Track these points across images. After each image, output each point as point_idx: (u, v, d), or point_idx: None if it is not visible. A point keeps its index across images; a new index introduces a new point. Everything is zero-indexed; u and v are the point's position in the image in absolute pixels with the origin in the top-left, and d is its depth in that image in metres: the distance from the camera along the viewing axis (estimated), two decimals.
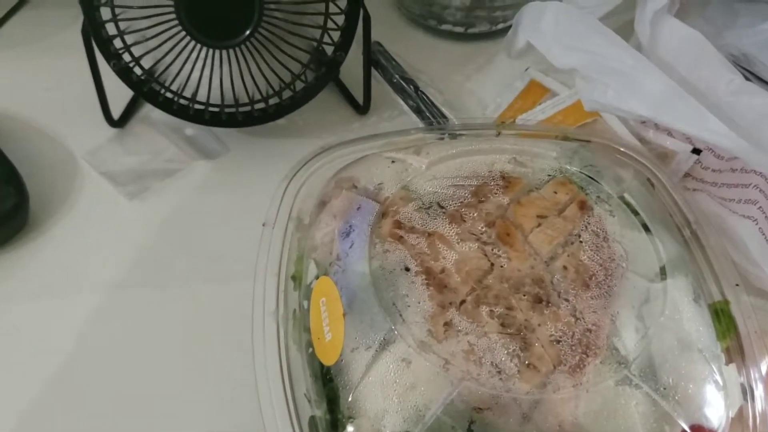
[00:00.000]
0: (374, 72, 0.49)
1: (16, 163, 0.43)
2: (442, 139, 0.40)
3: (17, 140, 0.45)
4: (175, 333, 0.38)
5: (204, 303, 0.39)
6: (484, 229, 0.33)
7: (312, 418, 0.30)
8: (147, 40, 0.39)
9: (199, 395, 0.36)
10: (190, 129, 0.47)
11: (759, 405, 0.31)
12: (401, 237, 0.33)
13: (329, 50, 0.42)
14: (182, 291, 0.40)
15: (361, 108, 0.47)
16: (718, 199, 0.41)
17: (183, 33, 0.38)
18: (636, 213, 0.35)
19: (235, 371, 0.34)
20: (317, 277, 0.33)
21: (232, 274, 0.38)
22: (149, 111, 0.48)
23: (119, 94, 0.45)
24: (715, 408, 0.30)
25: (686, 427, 0.29)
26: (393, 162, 0.36)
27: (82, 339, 0.38)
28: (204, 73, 0.40)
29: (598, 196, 0.35)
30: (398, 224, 0.33)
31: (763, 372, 0.32)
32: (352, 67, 0.45)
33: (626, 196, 0.35)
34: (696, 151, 0.43)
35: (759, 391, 0.31)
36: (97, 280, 0.40)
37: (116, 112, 0.46)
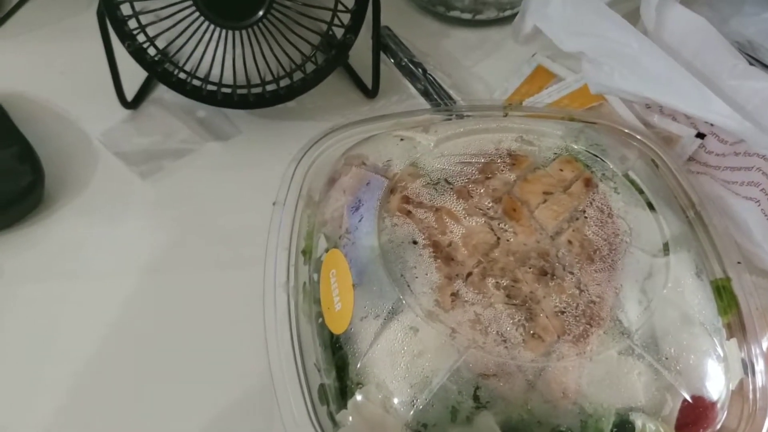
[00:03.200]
0: (383, 56, 0.49)
1: (33, 143, 0.43)
2: (450, 119, 0.40)
3: (34, 121, 0.46)
4: (187, 309, 0.39)
5: (216, 280, 0.40)
6: (490, 205, 0.34)
7: (321, 386, 0.31)
8: (161, 20, 0.40)
9: (212, 367, 0.37)
10: (203, 111, 0.48)
11: (759, 379, 0.31)
12: (409, 212, 0.33)
13: (339, 33, 0.43)
14: (194, 268, 0.41)
15: (370, 91, 0.48)
16: (721, 181, 0.41)
17: (197, 14, 0.39)
18: (640, 191, 0.35)
19: (247, 344, 0.35)
20: (327, 251, 0.34)
21: (244, 252, 0.39)
22: (162, 93, 0.48)
23: (133, 76, 0.46)
24: (716, 380, 0.30)
25: (687, 397, 0.29)
26: (401, 140, 0.37)
27: (93, 316, 0.39)
28: (217, 54, 0.41)
29: (603, 174, 0.35)
30: (406, 199, 0.34)
31: (764, 348, 0.32)
32: (361, 52, 0.46)
33: (631, 174, 0.36)
34: (700, 135, 0.43)
35: (759, 365, 0.32)
36: (109, 259, 0.41)
37: (130, 94, 0.47)
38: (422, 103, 0.48)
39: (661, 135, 0.44)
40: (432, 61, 0.50)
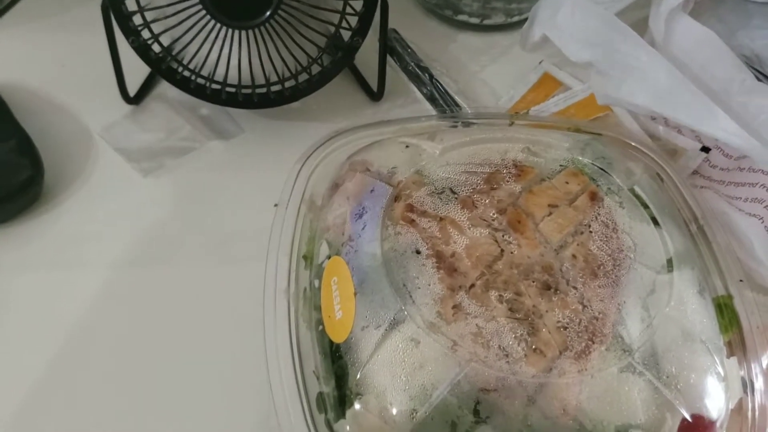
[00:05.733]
0: (389, 59, 0.49)
1: (32, 136, 0.43)
2: (455, 127, 0.40)
3: (34, 114, 0.46)
4: (185, 310, 0.39)
5: (214, 281, 0.40)
6: (495, 216, 0.33)
7: (320, 395, 0.31)
8: (167, 17, 0.39)
9: (209, 372, 0.37)
10: (206, 109, 0.47)
11: (759, 398, 0.31)
12: (413, 220, 0.33)
13: (346, 35, 0.43)
14: (193, 269, 0.41)
15: (375, 94, 0.48)
16: (724, 197, 0.41)
17: (203, 12, 0.39)
18: (645, 206, 0.35)
19: (245, 348, 0.34)
20: (329, 257, 0.34)
21: (244, 254, 0.39)
22: (165, 89, 0.48)
23: (136, 70, 0.46)
24: (716, 399, 0.30)
25: (687, 416, 0.29)
26: (407, 147, 0.37)
27: (90, 313, 0.39)
28: (222, 53, 0.40)
29: (609, 188, 0.35)
30: (410, 208, 0.34)
31: (764, 366, 0.32)
32: (367, 54, 0.46)
33: (636, 188, 0.36)
34: (705, 149, 0.43)
35: (759, 384, 0.32)
36: (107, 256, 0.41)
37: (132, 89, 0.47)
38: (428, 108, 0.48)
39: (665, 147, 0.44)
40: (438, 65, 0.50)
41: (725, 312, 0.33)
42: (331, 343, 0.31)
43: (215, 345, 0.37)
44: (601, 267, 0.32)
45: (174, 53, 0.41)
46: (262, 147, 0.46)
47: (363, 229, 0.33)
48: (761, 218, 0.39)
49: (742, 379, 0.32)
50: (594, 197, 0.34)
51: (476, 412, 0.28)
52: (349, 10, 0.41)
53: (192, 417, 0.35)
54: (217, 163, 0.45)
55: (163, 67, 0.42)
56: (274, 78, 0.42)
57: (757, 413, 0.31)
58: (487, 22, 0.52)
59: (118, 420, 0.35)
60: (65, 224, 0.42)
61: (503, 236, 0.33)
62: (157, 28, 0.40)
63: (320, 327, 0.32)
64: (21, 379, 0.36)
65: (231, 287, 0.39)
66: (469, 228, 0.33)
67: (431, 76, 0.48)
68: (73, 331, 0.38)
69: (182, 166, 0.45)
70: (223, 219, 0.43)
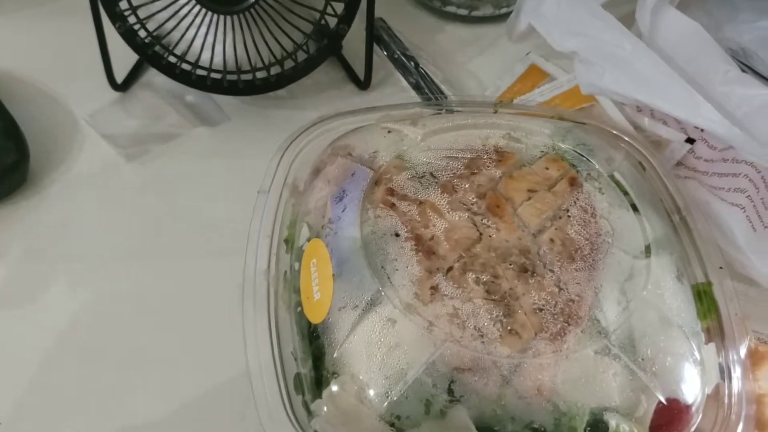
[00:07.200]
0: (376, 48, 0.49)
1: (19, 120, 0.43)
2: (440, 114, 0.40)
3: (21, 99, 0.46)
4: (166, 293, 0.39)
5: (196, 266, 0.40)
6: (474, 200, 0.33)
7: (297, 375, 0.31)
8: (152, 2, 0.39)
9: (189, 352, 0.37)
10: (192, 96, 0.47)
11: (735, 385, 0.31)
12: (393, 204, 0.33)
13: (332, 23, 0.43)
14: (176, 254, 0.41)
15: (362, 83, 0.48)
16: (708, 187, 0.41)
17: None
18: (625, 192, 0.35)
19: (225, 330, 0.34)
20: (309, 240, 0.34)
21: (226, 239, 0.39)
22: (152, 76, 0.48)
23: (124, 58, 0.46)
24: (692, 383, 0.30)
25: (662, 399, 0.29)
26: (389, 132, 0.37)
27: (73, 298, 0.39)
28: (207, 38, 0.40)
29: (589, 174, 0.35)
30: (391, 191, 0.34)
31: (742, 354, 0.32)
32: (354, 43, 0.46)
33: (616, 175, 0.36)
34: (690, 140, 0.43)
35: (736, 371, 0.32)
36: (91, 241, 0.41)
37: (120, 76, 0.47)
38: (414, 96, 0.48)
39: (650, 139, 0.44)
40: (425, 55, 0.50)
41: (704, 298, 0.33)
42: (309, 324, 0.31)
43: (196, 328, 0.37)
44: (579, 251, 0.32)
45: (160, 39, 0.41)
46: (248, 134, 0.46)
47: (343, 211, 0.34)
48: (743, 208, 0.39)
49: (720, 365, 0.32)
50: (573, 183, 0.34)
51: (450, 392, 0.28)
52: None
53: (170, 398, 0.35)
54: (203, 149, 0.45)
55: (149, 52, 0.42)
56: (259, 64, 0.42)
57: (734, 399, 0.31)
58: (475, 13, 0.52)
59: (100, 402, 0.35)
60: (49, 209, 0.42)
61: (482, 220, 0.33)
62: (143, 13, 0.41)
63: (299, 309, 0.32)
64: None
65: (212, 272, 0.38)
66: (449, 212, 0.33)
67: (417, 65, 0.48)
68: (54, 315, 0.38)
69: (168, 152, 0.45)
70: (207, 205, 0.43)
